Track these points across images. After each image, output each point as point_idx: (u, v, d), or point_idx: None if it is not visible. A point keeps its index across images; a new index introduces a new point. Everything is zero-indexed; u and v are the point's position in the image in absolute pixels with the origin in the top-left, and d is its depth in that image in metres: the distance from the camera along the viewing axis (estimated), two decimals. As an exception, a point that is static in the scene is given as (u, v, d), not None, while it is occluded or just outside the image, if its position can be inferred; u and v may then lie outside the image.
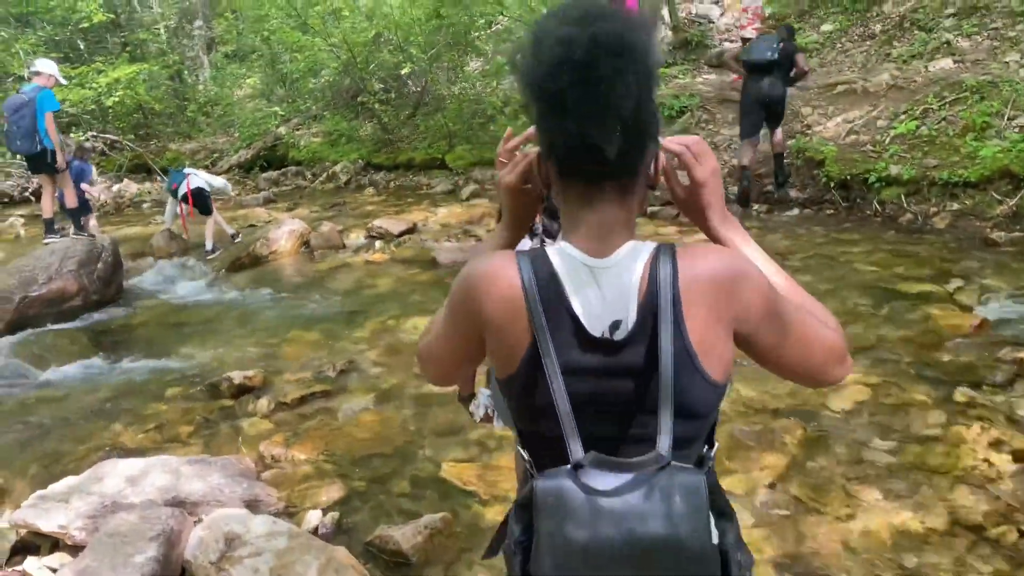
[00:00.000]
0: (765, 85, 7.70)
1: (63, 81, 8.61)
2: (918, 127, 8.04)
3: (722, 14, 13.84)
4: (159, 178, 14.47)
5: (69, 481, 3.46)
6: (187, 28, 19.06)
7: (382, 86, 15.03)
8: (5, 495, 3.93)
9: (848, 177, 7.89)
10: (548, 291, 1.11)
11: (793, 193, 8.23)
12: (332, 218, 10.22)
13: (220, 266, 8.48)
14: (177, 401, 4.93)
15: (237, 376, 4.94)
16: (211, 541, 2.92)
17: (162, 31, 18.66)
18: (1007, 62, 8.73)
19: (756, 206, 8.31)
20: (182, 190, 8.89)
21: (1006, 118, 7.61)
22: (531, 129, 1.23)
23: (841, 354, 1.20)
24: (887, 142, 8.10)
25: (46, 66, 7.85)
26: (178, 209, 9.16)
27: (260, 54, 18.01)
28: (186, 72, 19.05)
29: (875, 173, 7.68)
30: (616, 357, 1.10)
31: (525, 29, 11.75)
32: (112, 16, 16.72)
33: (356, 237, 9.08)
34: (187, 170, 9.40)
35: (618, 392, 1.11)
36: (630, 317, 1.09)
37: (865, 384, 4.22)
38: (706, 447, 1.19)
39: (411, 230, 9.06)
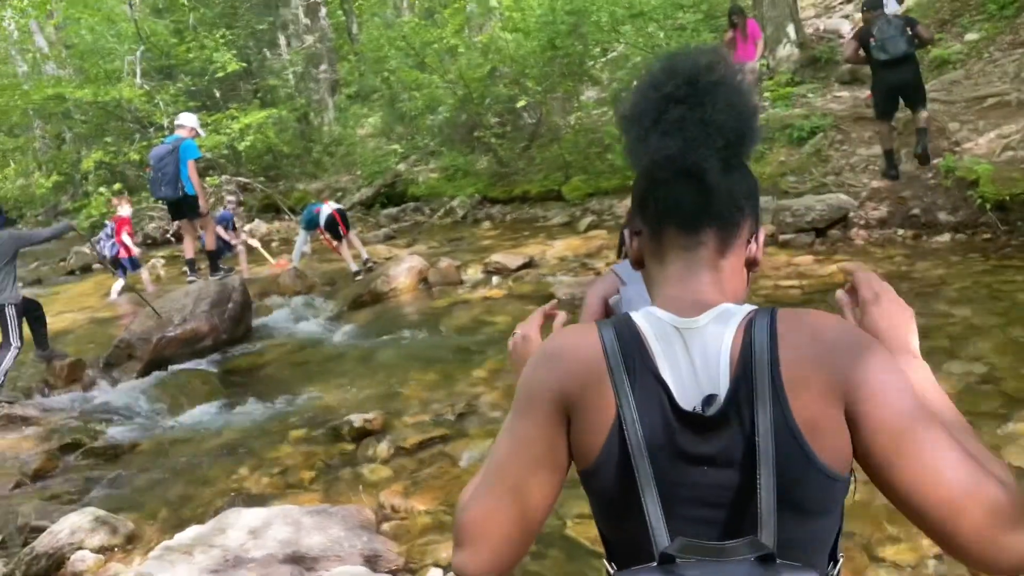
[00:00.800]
0: (899, 73, 7.63)
1: (202, 133, 9.13)
2: (1087, 140, 7.23)
3: (852, 28, 13.12)
4: (287, 217, 15.05)
5: (193, 531, 3.45)
6: (313, 72, 19.87)
7: (498, 119, 15.12)
8: (136, 540, 3.98)
9: (1007, 198, 7.15)
10: (632, 353, 0.97)
11: (943, 216, 7.55)
12: (450, 253, 10.24)
13: (342, 304, 8.62)
14: (300, 444, 4.93)
15: (357, 419, 4.89)
16: (329, 604, 2.80)
17: (290, 76, 19.54)
18: None
19: (901, 231, 7.68)
20: (326, 212, 9.49)
21: None
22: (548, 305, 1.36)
23: (1008, 516, 0.86)
24: (1050, 158, 7.32)
25: (188, 119, 8.36)
26: (321, 238, 9.94)
27: (381, 94, 18.57)
28: (312, 114, 19.85)
29: (1039, 193, 6.93)
30: (708, 436, 0.94)
31: (641, 55, 11.56)
32: (244, 65, 17.64)
33: (474, 273, 9.04)
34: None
35: (711, 480, 0.94)
36: (722, 390, 0.94)
37: (1048, 435, 3.69)
38: (829, 564, 0.97)
39: (528, 264, 8.93)
